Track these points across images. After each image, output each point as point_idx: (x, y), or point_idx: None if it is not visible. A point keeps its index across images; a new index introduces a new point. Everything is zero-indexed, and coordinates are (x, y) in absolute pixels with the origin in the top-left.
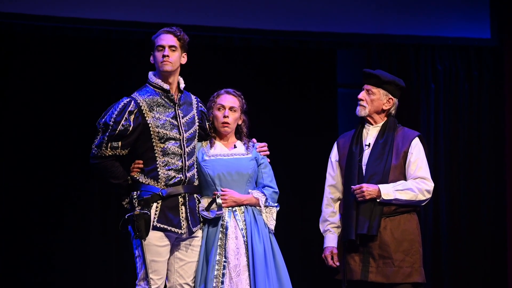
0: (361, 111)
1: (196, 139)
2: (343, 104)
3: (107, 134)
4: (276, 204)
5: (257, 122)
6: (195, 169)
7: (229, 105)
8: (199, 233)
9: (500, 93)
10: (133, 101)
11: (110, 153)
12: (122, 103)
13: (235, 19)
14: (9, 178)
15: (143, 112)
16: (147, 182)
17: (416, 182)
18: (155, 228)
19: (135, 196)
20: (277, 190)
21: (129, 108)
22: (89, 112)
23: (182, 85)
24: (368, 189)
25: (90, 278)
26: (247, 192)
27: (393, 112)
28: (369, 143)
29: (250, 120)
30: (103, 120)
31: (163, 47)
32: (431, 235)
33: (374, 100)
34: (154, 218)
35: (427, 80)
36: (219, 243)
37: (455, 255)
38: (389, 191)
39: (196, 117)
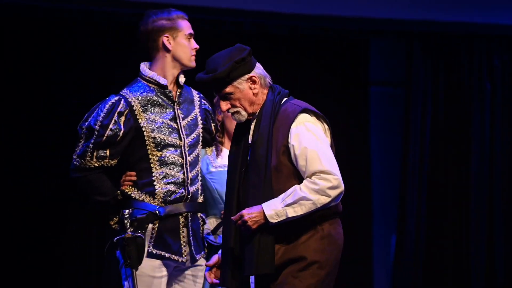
0: (240, 118)
1: (200, 145)
2: (376, 104)
3: (92, 141)
4: None
5: None
6: (199, 183)
7: None
8: (203, 262)
9: None
10: (123, 99)
11: (96, 164)
12: (109, 103)
13: (245, 1)
14: None
15: (136, 113)
16: (141, 199)
17: (310, 182)
18: (150, 255)
19: (127, 215)
20: None
21: (119, 109)
22: (65, 112)
23: (182, 79)
24: (251, 215)
25: None
26: None
27: (267, 81)
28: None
29: None
30: (86, 123)
31: (192, 36)
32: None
33: (240, 98)
34: (150, 242)
35: (481, 79)
36: None
37: None
38: (277, 208)
39: (199, 118)
